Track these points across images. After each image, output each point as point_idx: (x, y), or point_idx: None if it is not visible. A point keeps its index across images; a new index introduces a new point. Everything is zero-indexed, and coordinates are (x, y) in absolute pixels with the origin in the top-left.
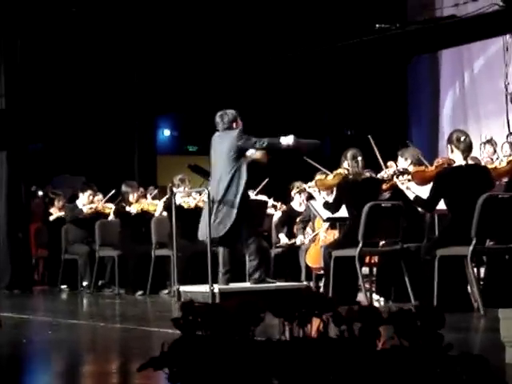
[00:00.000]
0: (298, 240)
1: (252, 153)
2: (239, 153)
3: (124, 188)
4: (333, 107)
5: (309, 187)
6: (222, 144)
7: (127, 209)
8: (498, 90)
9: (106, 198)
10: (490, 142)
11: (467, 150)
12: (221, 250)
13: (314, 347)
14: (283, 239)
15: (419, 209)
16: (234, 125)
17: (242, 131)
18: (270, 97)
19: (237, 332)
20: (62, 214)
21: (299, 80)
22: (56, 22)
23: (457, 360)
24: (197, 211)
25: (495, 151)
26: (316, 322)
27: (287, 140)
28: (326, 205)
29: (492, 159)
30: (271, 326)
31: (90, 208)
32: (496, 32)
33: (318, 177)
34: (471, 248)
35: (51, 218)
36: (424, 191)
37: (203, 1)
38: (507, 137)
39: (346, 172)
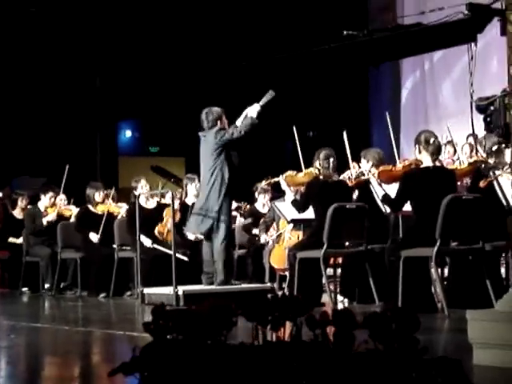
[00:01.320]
0: (262, 239)
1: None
2: (220, 149)
3: (88, 190)
4: (296, 108)
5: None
6: (206, 145)
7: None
8: (460, 91)
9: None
10: (451, 142)
11: (436, 152)
12: (204, 250)
13: (288, 351)
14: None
15: (383, 210)
16: (219, 123)
17: (221, 128)
18: (232, 99)
19: (209, 336)
20: (20, 240)
21: (262, 83)
22: (15, 22)
23: (432, 363)
24: (160, 213)
25: (455, 152)
26: (289, 325)
27: (255, 110)
28: (294, 202)
29: (453, 160)
30: (244, 330)
31: (48, 221)
32: (461, 40)
33: (289, 173)
34: (435, 249)
35: (11, 240)
36: (393, 190)
37: (165, 8)
38: (467, 138)
39: (317, 172)
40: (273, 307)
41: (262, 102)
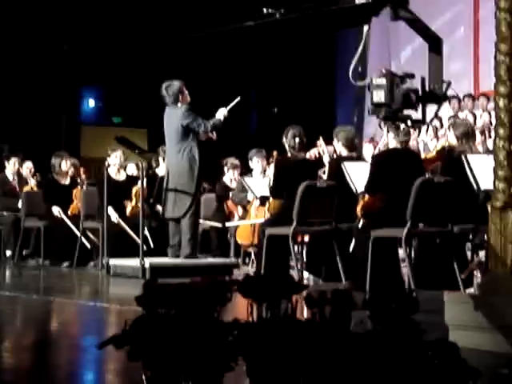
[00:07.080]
0: None
1: None
2: (186, 132)
3: (53, 160)
4: (261, 84)
5: None
6: (170, 122)
7: None
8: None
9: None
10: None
11: (404, 141)
12: (170, 223)
13: (282, 329)
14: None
15: (354, 189)
16: (181, 97)
17: (189, 108)
18: (197, 74)
19: (202, 311)
20: None
21: (228, 57)
22: None
23: (429, 346)
24: (128, 184)
25: (420, 133)
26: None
27: (222, 113)
28: (270, 188)
29: (417, 141)
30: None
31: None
32: (358, 22)
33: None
34: (406, 230)
35: None
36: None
37: None
38: (431, 120)
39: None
40: (269, 284)
41: (228, 107)
